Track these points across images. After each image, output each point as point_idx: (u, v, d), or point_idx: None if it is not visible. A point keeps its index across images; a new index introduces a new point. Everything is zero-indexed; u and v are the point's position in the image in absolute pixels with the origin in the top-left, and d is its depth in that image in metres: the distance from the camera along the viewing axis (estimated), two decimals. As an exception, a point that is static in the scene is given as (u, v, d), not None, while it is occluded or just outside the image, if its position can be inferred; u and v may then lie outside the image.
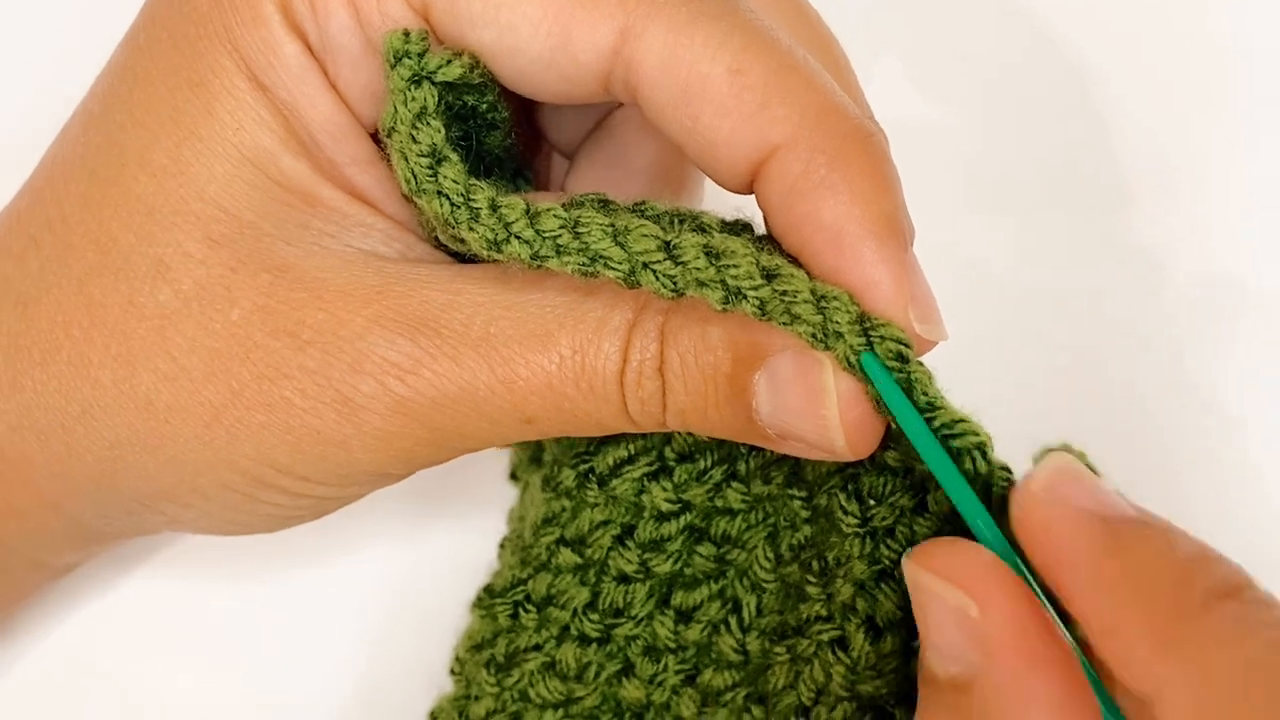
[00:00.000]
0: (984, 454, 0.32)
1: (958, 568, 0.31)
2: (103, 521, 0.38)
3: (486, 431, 0.34)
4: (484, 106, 0.35)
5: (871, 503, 0.36)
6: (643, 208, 0.36)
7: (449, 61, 0.34)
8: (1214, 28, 0.54)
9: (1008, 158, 0.52)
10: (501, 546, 0.43)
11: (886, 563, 0.35)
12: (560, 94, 0.35)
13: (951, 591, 0.30)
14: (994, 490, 0.33)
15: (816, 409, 0.32)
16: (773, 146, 0.33)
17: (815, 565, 0.37)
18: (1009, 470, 0.33)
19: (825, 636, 0.37)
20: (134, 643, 0.45)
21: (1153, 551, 0.28)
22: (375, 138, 0.36)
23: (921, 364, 0.33)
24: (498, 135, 0.37)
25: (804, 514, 0.38)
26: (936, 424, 0.32)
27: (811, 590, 0.37)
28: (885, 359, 0.32)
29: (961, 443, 0.32)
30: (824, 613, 0.37)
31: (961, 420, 0.32)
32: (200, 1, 0.35)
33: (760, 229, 0.36)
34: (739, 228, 0.36)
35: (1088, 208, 0.51)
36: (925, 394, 0.32)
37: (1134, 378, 0.49)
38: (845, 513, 0.36)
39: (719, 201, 0.38)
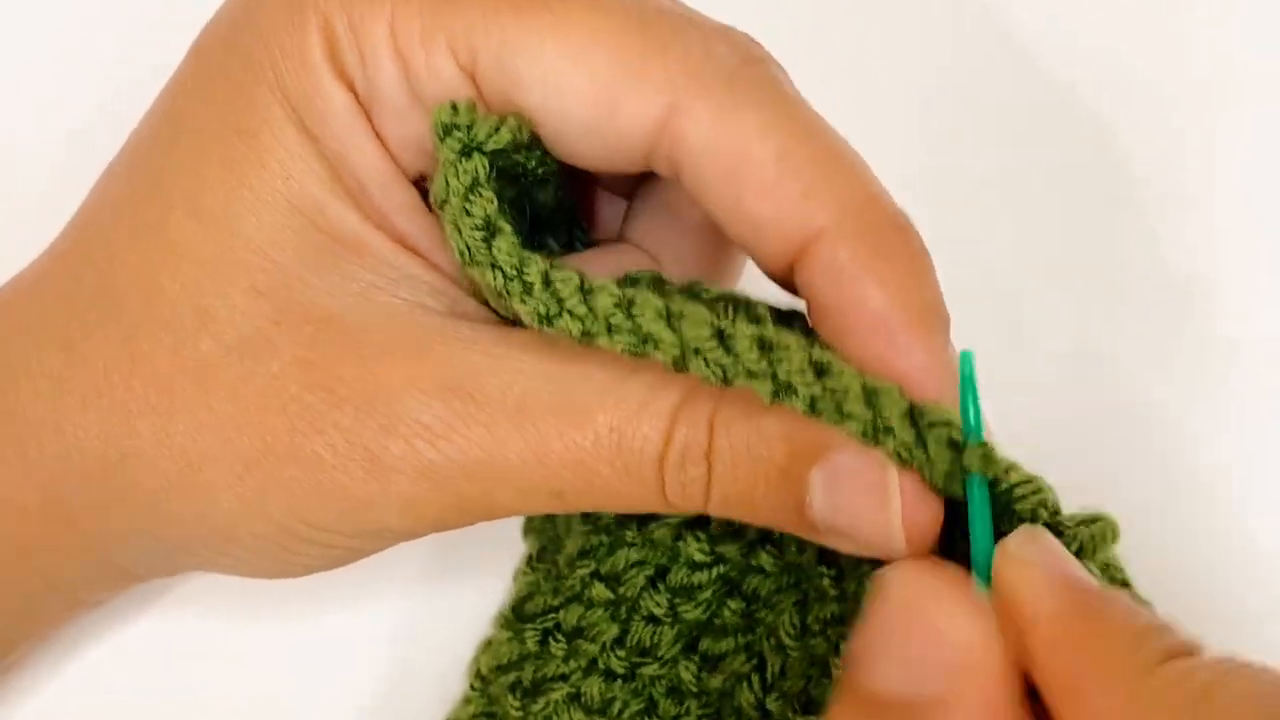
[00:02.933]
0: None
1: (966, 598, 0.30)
2: (138, 565, 0.38)
3: (514, 502, 0.34)
4: (533, 163, 0.35)
5: None
6: (696, 289, 0.36)
7: (497, 129, 0.33)
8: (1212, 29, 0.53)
9: (1003, 160, 0.52)
10: (529, 566, 0.43)
11: None
12: (602, 162, 0.35)
13: (956, 617, 0.29)
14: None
15: (879, 510, 0.32)
16: (817, 231, 0.33)
17: (842, 647, 0.36)
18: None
19: None
20: (146, 679, 0.46)
21: (1118, 617, 0.28)
22: (419, 185, 0.36)
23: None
24: (549, 189, 0.37)
25: (833, 592, 0.37)
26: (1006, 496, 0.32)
27: (837, 672, 0.36)
28: (936, 450, 0.31)
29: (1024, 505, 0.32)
30: None
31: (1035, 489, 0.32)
32: (250, 46, 0.35)
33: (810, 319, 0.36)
34: (792, 317, 0.36)
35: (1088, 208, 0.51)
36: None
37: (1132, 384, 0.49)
38: None
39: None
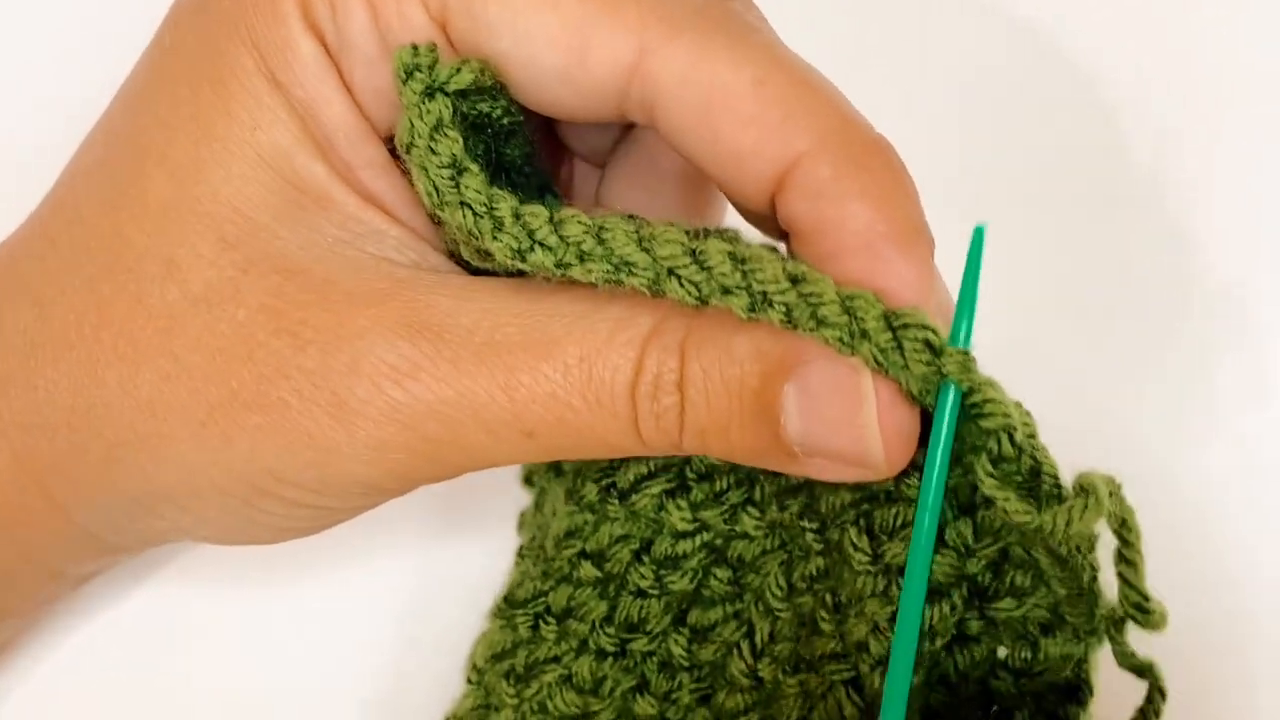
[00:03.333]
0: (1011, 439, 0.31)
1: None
2: (107, 527, 0.38)
3: (485, 445, 0.33)
4: (498, 112, 0.35)
5: (884, 538, 0.34)
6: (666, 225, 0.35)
7: (459, 70, 0.33)
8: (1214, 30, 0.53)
9: (1004, 163, 0.51)
10: (520, 556, 0.43)
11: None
12: (574, 110, 0.35)
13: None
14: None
15: (853, 416, 0.31)
16: (798, 155, 0.32)
17: (829, 600, 0.36)
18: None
19: (839, 676, 0.36)
20: (143, 653, 0.45)
21: None
22: (389, 145, 0.36)
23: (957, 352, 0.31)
24: (517, 143, 0.36)
25: (817, 546, 0.37)
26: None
27: (825, 626, 0.36)
28: (912, 353, 0.30)
29: (990, 424, 0.31)
30: (838, 650, 0.36)
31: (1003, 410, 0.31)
32: (223, 2, 0.35)
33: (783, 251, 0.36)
34: (765, 248, 0.35)
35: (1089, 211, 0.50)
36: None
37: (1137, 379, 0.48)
38: (856, 549, 0.35)
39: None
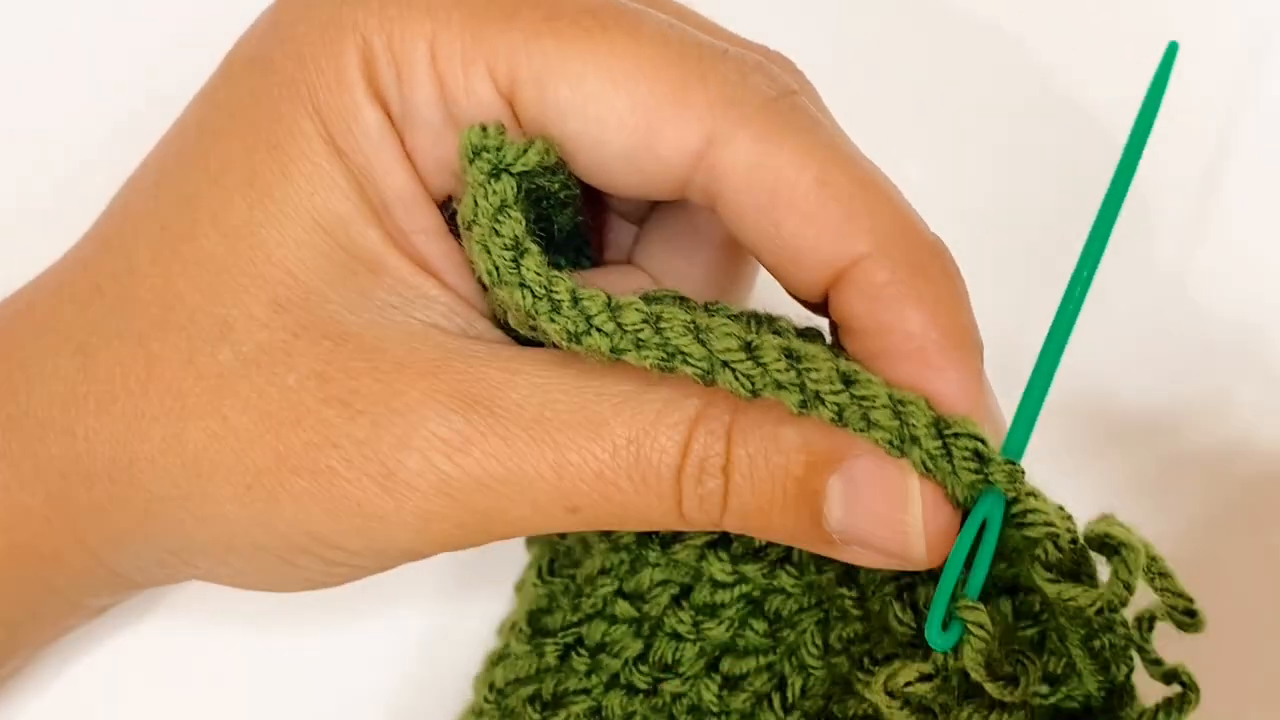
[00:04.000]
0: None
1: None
2: (138, 571, 0.38)
3: (529, 518, 0.34)
4: (557, 186, 0.35)
5: (928, 612, 0.35)
6: (716, 308, 0.36)
7: (526, 150, 0.33)
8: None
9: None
10: (538, 578, 0.43)
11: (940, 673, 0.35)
12: (635, 189, 0.35)
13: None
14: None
15: (898, 514, 0.32)
16: (857, 256, 0.33)
17: (866, 663, 0.37)
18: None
19: None
20: (150, 688, 0.46)
21: None
22: (442, 208, 0.36)
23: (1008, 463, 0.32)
24: (569, 212, 0.36)
25: (856, 613, 0.37)
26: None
27: (861, 689, 0.36)
28: (961, 460, 0.31)
29: (1033, 533, 0.32)
30: (870, 712, 0.37)
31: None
32: (284, 62, 0.34)
33: (828, 338, 0.36)
34: (812, 335, 0.36)
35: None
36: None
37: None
38: (900, 623, 0.36)
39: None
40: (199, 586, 0.39)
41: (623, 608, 0.39)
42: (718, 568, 0.38)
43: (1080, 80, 0.52)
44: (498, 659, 0.42)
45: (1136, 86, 0.34)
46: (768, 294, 0.38)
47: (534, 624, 0.41)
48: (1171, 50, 0.33)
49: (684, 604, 0.39)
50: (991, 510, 0.32)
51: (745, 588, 0.39)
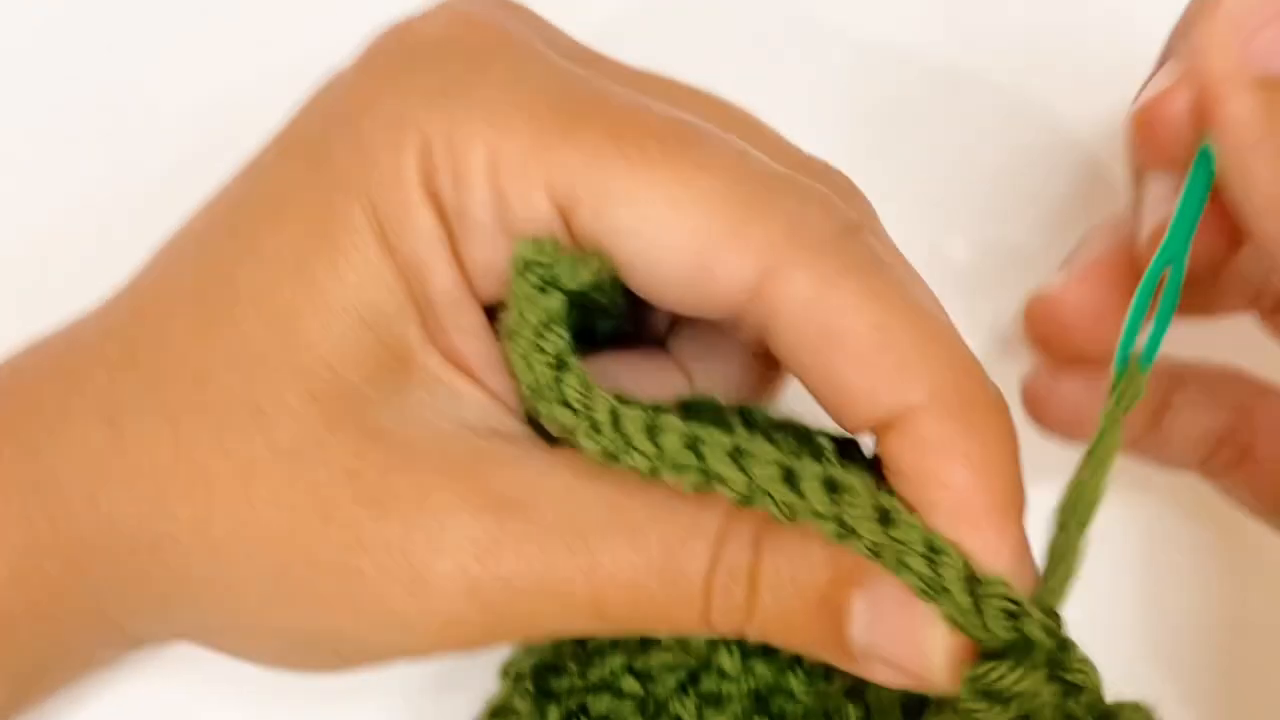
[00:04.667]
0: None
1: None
2: (153, 637, 0.38)
3: (554, 622, 0.34)
4: (604, 300, 0.35)
5: None
6: (753, 415, 0.36)
7: (577, 269, 0.33)
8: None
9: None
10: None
11: None
12: (687, 310, 0.35)
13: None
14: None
15: (920, 635, 0.32)
16: (908, 407, 0.32)
17: None
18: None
19: None
20: None
21: None
22: (486, 309, 0.36)
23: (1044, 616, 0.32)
24: (610, 323, 0.36)
25: None
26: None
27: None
28: (992, 618, 0.32)
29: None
30: None
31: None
32: (341, 151, 0.34)
33: (867, 449, 0.36)
34: (850, 448, 0.36)
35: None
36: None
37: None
38: None
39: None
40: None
41: (630, 684, 0.39)
42: (727, 660, 0.38)
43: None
44: (499, 712, 0.42)
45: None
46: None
47: (539, 683, 0.41)
48: (1204, 156, 0.32)
49: (690, 690, 0.39)
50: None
51: (753, 683, 0.39)
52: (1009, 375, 0.36)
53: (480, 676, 0.43)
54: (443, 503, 0.33)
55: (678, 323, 0.40)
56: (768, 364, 0.39)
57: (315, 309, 0.34)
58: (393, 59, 0.35)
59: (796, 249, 0.33)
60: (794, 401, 0.38)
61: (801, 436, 0.36)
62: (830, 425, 0.36)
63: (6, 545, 0.36)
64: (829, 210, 0.33)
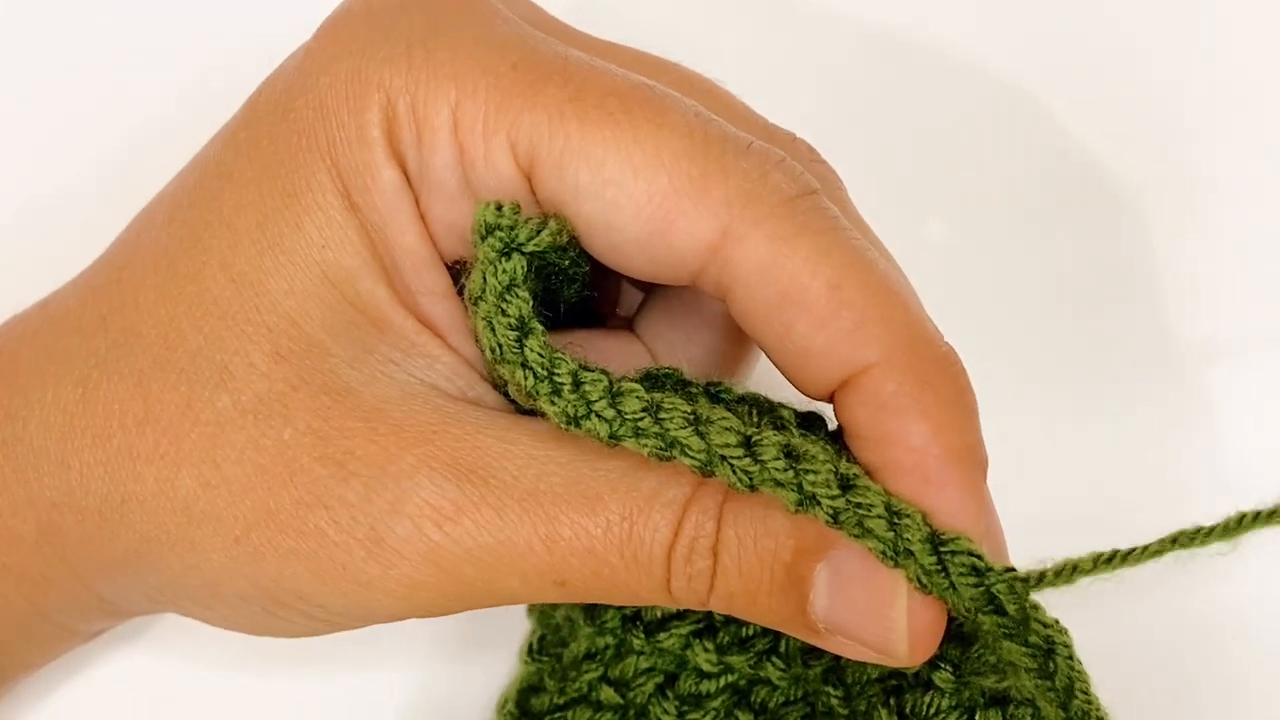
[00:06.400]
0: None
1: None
2: (125, 601, 0.38)
3: (515, 589, 0.34)
4: (567, 263, 0.35)
5: None
6: (717, 389, 0.36)
7: (539, 231, 0.33)
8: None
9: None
10: (530, 657, 0.43)
11: None
12: (647, 273, 0.35)
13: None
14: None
15: (883, 609, 0.32)
16: (865, 364, 0.32)
17: None
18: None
19: None
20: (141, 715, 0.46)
21: None
22: (451, 270, 0.36)
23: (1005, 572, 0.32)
24: (576, 288, 0.36)
25: (842, 711, 0.37)
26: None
27: None
28: (958, 576, 0.32)
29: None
30: None
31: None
32: (305, 112, 0.34)
33: (831, 423, 0.36)
34: (813, 421, 0.36)
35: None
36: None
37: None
38: None
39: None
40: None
41: (607, 694, 0.39)
42: (703, 657, 0.38)
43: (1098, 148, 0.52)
44: None
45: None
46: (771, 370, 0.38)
47: (522, 705, 0.41)
48: None
49: (669, 693, 0.39)
50: None
51: (731, 678, 0.39)
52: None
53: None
54: (405, 466, 0.33)
55: (645, 303, 0.40)
56: (733, 344, 0.39)
57: (280, 268, 0.34)
58: (355, 21, 0.35)
59: (753, 210, 0.33)
60: (758, 385, 0.38)
61: (764, 409, 0.36)
62: (794, 400, 0.36)
63: None
64: (787, 173, 0.33)
